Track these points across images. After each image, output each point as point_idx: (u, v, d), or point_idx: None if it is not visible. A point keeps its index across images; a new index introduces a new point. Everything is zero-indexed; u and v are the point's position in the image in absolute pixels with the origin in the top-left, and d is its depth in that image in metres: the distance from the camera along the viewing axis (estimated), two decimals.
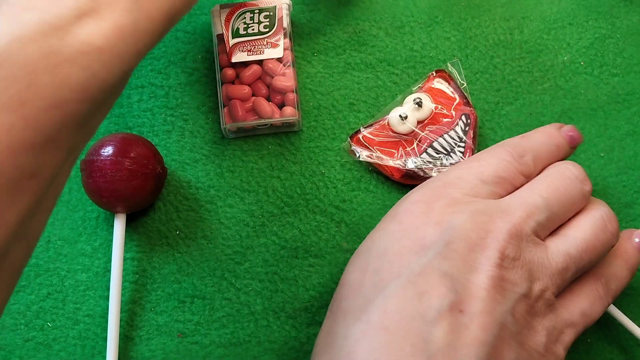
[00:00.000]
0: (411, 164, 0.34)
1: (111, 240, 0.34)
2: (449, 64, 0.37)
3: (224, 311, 0.34)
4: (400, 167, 0.34)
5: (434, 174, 0.34)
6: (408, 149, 0.35)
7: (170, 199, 0.36)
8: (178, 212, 0.35)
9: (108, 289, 0.34)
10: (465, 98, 0.36)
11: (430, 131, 0.35)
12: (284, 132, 0.36)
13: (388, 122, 0.35)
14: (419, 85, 0.36)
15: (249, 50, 0.35)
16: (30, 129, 0.17)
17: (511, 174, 0.28)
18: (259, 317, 0.34)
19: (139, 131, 0.37)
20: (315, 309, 0.34)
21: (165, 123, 0.37)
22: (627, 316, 0.32)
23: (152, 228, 0.35)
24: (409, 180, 0.35)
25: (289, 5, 0.36)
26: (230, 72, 0.35)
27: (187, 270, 0.34)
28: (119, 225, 0.33)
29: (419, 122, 0.35)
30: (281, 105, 0.35)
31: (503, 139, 0.36)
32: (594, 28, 0.39)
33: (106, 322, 0.33)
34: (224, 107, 0.35)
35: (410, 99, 0.35)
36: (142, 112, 0.37)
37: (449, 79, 0.36)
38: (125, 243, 0.34)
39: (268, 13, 0.36)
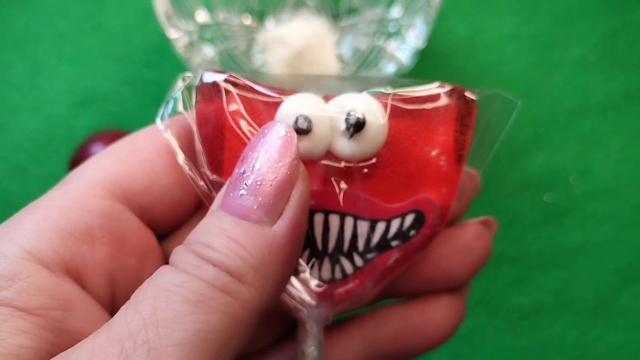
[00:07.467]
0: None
1: None
2: (480, 92, 0.18)
3: None
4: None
5: None
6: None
7: None
8: None
9: None
10: (457, 173, 0.18)
11: (347, 196, 0.17)
12: None
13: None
14: (407, 88, 0.18)
15: None
16: None
17: None
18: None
19: (130, 128, 0.35)
20: None
21: None
22: None
23: None
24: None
25: None
26: None
27: None
28: None
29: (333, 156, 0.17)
30: None
31: (511, 137, 0.35)
32: (604, 23, 0.38)
33: None
34: None
35: (343, 103, 0.17)
36: (133, 108, 0.36)
37: (465, 114, 0.17)
38: None
39: None
